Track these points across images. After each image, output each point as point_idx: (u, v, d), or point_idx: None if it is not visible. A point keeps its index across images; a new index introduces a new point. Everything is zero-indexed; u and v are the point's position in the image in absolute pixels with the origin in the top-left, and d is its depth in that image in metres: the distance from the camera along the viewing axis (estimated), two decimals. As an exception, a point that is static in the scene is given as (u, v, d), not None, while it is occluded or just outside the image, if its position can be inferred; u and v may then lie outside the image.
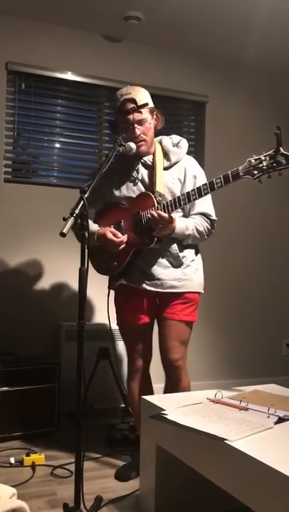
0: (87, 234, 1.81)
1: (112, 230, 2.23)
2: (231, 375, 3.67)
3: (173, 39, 3.55)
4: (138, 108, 2.23)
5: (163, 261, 2.26)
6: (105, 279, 2.41)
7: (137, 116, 2.24)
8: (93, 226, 2.30)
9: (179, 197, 2.13)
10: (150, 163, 2.32)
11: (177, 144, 2.38)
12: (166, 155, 2.34)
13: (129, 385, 2.42)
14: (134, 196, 2.28)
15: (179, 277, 2.27)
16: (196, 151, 3.79)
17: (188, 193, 2.11)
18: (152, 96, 2.33)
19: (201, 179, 2.34)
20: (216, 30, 3.40)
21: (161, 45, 3.63)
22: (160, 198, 2.20)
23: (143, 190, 2.28)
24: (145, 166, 2.33)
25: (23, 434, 2.73)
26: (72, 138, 3.56)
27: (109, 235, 2.20)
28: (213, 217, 2.34)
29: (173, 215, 2.16)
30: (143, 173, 2.32)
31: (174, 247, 2.27)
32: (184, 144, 2.39)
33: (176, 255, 2.27)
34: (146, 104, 2.26)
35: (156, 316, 2.35)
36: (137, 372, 2.39)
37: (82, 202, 1.79)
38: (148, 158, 2.33)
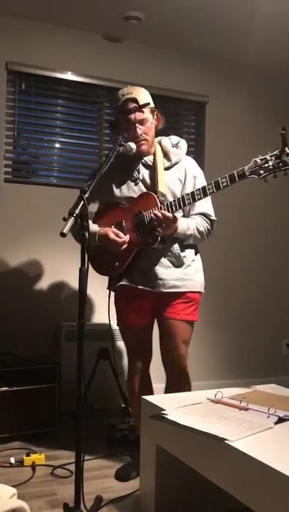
0: (86, 234, 1.81)
1: (114, 230, 2.23)
2: (231, 375, 3.67)
3: (173, 39, 3.55)
4: (140, 108, 2.23)
5: (164, 261, 2.26)
6: (105, 279, 2.41)
7: (138, 115, 2.24)
8: (93, 226, 2.29)
9: (183, 196, 2.13)
10: (151, 164, 2.32)
11: (176, 145, 2.39)
12: (166, 155, 2.34)
13: (129, 385, 2.42)
14: (136, 196, 2.28)
15: (181, 277, 2.27)
16: (196, 151, 3.79)
17: (192, 192, 2.11)
18: (152, 96, 2.34)
19: (201, 180, 2.35)
20: (216, 30, 3.40)
21: (162, 45, 3.63)
22: (162, 198, 2.20)
23: (144, 190, 2.28)
24: (146, 166, 2.32)
25: (23, 434, 2.73)
26: (73, 138, 3.56)
27: (112, 235, 2.20)
28: (213, 217, 2.35)
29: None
30: (144, 173, 2.31)
31: (176, 246, 2.27)
32: (184, 144, 2.40)
33: (177, 255, 2.27)
34: (147, 104, 2.26)
35: (156, 316, 2.35)
36: (137, 372, 2.39)
37: (82, 202, 1.78)
38: (149, 159, 2.33)
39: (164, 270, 2.25)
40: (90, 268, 1.86)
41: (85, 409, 1.90)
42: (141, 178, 2.31)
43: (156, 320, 2.37)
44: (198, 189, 2.10)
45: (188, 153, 2.41)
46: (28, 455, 2.42)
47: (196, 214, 2.31)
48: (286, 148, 1.83)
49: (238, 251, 3.87)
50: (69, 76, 3.45)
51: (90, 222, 2.30)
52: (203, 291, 2.36)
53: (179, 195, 2.25)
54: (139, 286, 2.26)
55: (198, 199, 2.11)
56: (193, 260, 2.34)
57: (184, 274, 2.28)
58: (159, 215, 2.10)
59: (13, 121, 3.35)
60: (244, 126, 3.91)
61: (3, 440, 2.68)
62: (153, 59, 3.64)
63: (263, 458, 1.31)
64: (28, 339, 3.19)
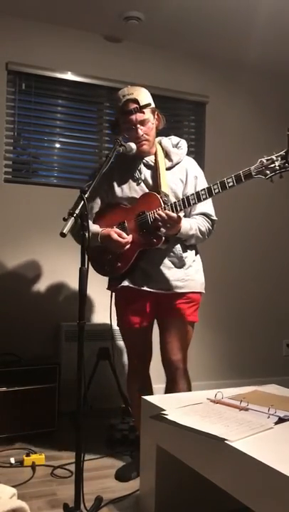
0: (87, 234, 1.81)
1: (117, 230, 2.22)
2: (231, 375, 3.67)
3: (173, 39, 3.55)
4: (141, 108, 2.22)
5: (166, 262, 2.25)
6: (105, 279, 2.40)
7: (139, 116, 2.23)
8: (94, 227, 2.29)
9: (188, 197, 2.13)
10: (152, 164, 2.31)
11: (177, 145, 2.38)
12: (167, 155, 2.34)
13: (129, 386, 2.43)
14: (137, 196, 2.27)
15: (182, 277, 2.26)
16: (197, 152, 3.79)
17: (198, 192, 2.11)
18: (152, 96, 2.33)
19: (202, 180, 2.35)
20: (216, 30, 3.40)
21: (162, 45, 3.63)
22: (166, 199, 2.19)
23: (146, 190, 2.27)
24: (147, 166, 2.32)
25: (23, 434, 2.72)
26: (73, 138, 3.56)
27: (115, 236, 2.19)
28: (214, 217, 2.35)
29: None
30: (145, 173, 2.31)
31: (178, 247, 2.27)
32: (184, 144, 2.39)
33: (179, 256, 2.26)
34: (148, 105, 2.26)
35: (156, 317, 2.35)
36: (137, 372, 2.39)
37: (82, 202, 1.78)
38: (150, 159, 2.32)
39: (166, 271, 2.25)
40: (90, 268, 1.86)
41: (85, 409, 1.89)
42: (143, 178, 2.30)
43: (156, 320, 2.37)
44: (204, 189, 2.09)
45: (188, 154, 2.41)
46: (28, 455, 2.42)
47: (197, 214, 2.31)
48: None
49: (239, 251, 3.87)
50: (69, 76, 3.45)
51: (90, 222, 2.30)
52: (203, 291, 2.36)
53: (180, 196, 2.26)
54: (141, 287, 2.25)
55: (204, 199, 2.10)
56: (194, 261, 2.34)
57: (186, 274, 2.27)
58: (164, 215, 2.09)
59: (13, 121, 3.35)
60: (244, 126, 3.91)
61: (3, 440, 2.67)
62: (153, 59, 3.64)
63: (263, 458, 1.31)
64: (28, 339, 3.19)
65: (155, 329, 2.38)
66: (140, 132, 2.24)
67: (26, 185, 3.38)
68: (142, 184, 2.30)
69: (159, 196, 2.19)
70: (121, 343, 2.77)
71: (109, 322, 2.34)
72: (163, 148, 2.35)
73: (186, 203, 2.13)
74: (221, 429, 1.51)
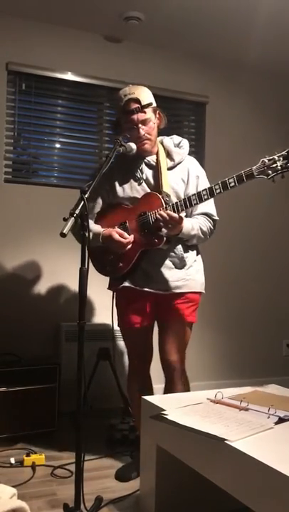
0: (87, 234, 1.81)
1: (118, 230, 2.21)
2: (231, 375, 3.67)
3: (173, 39, 3.55)
4: (142, 108, 2.21)
5: (167, 262, 2.25)
6: (105, 279, 2.40)
7: (140, 116, 2.22)
8: (96, 227, 2.28)
9: (189, 197, 2.12)
10: (154, 164, 2.30)
11: (178, 144, 2.37)
12: (168, 155, 2.33)
13: (130, 386, 2.42)
14: (139, 196, 2.26)
15: (183, 277, 2.26)
16: (197, 152, 3.79)
17: (199, 193, 2.10)
18: (153, 96, 2.33)
19: (204, 180, 2.34)
20: (216, 30, 3.40)
21: (162, 45, 3.63)
22: (167, 199, 2.19)
23: (148, 190, 2.26)
24: (149, 166, 2.31)
25: (23, 434, 2.72)
26: (73, 138, 3.56)
27: (116, 236, 2.18)
28: (216, 217, 2.34)
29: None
30: (147, 173, 2.30)
31: (179, 247, 2.26)
32: (186, 144, 2.39)
33: (180, 256, 2.26)
34: (150, 104, 2.25)
35: (156, 317, 2.35)
36: (138, 372, 2.39)
37: (82, 202, 1.78)
38: (152, 158, 2.31)
39: (167, 271, 2.24)
40: (90, 268, 1.86)
41: (85, 409, 1.89)
42: (144, 178, 2.29)
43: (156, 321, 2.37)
44: (205, 189, 2.09)
45: (189, 154, 2.40)
46: (28, 455, 2.42)
47: (198, 214, 2.30)
48: None
49: (239, 250, 3.87)
50: (69, 76, 3.45)
51: (92, 223, 2.30)
52: (203, 291, 2.35)
53: (182, 195, 2.25)
54: (142, 288, 2.24)
55: (205, 199, 2.10)
56: (195, 261, 2.33)
57: (186, 274, 2.27)
58: (165, 215, 2.08)
59: (13, 122, 3.35)
60: (244, 126, 3.91)
61: (4, 440, 2.67)
62: (153, 59, 3.64)
63: (263, 458, 1.31)
64: (28, 339, 3.18)
65: (156, 329, 2.38)
66: (142, 132, 2.23)
67: (26, 185, 3.38)
68: (144, 184, 2.29)
69: (160, 196, 2.18)
70: (121, 343, 2.77)
71: (108, 322, 2.34)
72: (165, 148, 2.34)
73: (188, 203, 2.12)
74: (221, 429, 1.51)
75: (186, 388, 2.31)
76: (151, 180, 2.29)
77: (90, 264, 1.88)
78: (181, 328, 2.28)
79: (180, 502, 1.83)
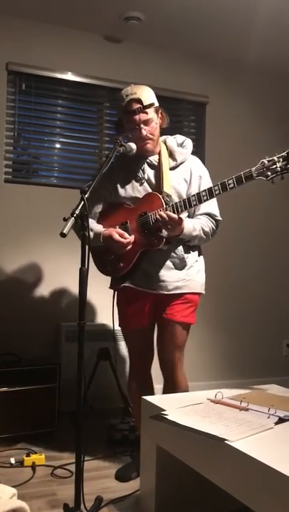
0: (87, 234, 1.81)
1: (119, 230, 2.21)
2: (231, 376, 3.67)
3: (173, 39, 3.55)
4: (144, 108, 2.20)
5: (168, 263, 2.24)
6: (106, 279, 2.40)
7: (142, 116, 2.21)
8: (98, 227, 2.28)
9: (189, 198, 2.12)
10: (156, 163, 2.29)
11: (182, 144, 2.36)
12: (171, 155, 2.32)
13: (130, 385, 2.42)
14: (140, 196, 2.26)
15: (183, 278, 2.25)
16: (197, 152, 3.73)
17: (198, 193, 2.09)
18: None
19: (206, 180, 2.33)
20: (217, 30, 3.40)
21: (162, 45, 3.63)
22: (168, 199, 2.18)
23: (149, 190, 2.26)
24: (151, 165, 2.30)
25: (23, 434, 2.73)
26: (73, 138, 3.56)
27: (116, 236, 2.18)
28: (218, 217, 2.33)
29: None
30: (149, 173, 2.29)
31: (180, 248, 2.25)
32: (189, 143, 2.37)
33: (181, 257, 2.25)
34: (152, 104, 2.23)
35: (155, 317, 2.34)
36: (138, 372, 2.39)
37: (82, 202, 1.78)
38: (154, 158, 2.30)
39: (167, 272, 2.23)
40: (90, 268, 1.86)
41: (85, 409, 1.89)
42: (146, 178, 2.28)
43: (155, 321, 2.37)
44: (205, 190, 2.08)
45: (191, 153, 2.39)
46: (28, 455, 2.42)
47: (201, 214, 2.29)
48: None
49: (239, 251, 3.87)
50: (69, 76, 3.45)
51: (94, 223, 2.30)
52: (203, 292, 2.34)
53: (184, 196, 2.24)
54: (142, 288, 2.24)
55: (205, 200, 2.09)
56: (196, 261, 2.32)
57: (187, 275, 2.26)
58: (164, 216, 2.08)
59: (13, 122, 3.35)
60: (244, 126, 3.91)
61: (4, 440, 2.67)
62: (153, 59, 3.64)
63: (263, 458, 1.31)
64: (29, 339, 3.19)
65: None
66: (144, 132, 2.22)
67: (26, 185, 3.38)
68: (145, 184, 2.28)
69: (160, 196, 2.17)
70: (121, 343, 2.77)
71: (109, 322, 2.34)
72: (167, 148, 2.33)
73: (187, 204, 2.11)
74: (221, 429, 1.51)
75: (185, 388, 2.31)
76: (153, 180, 2.28)
77: (91, 264, 1.88)
78: (179, 328, 2.27)
79: (180, 502, 1.83)
